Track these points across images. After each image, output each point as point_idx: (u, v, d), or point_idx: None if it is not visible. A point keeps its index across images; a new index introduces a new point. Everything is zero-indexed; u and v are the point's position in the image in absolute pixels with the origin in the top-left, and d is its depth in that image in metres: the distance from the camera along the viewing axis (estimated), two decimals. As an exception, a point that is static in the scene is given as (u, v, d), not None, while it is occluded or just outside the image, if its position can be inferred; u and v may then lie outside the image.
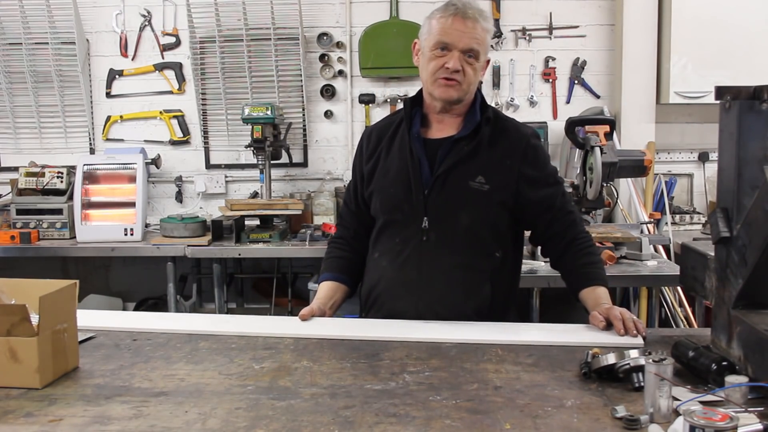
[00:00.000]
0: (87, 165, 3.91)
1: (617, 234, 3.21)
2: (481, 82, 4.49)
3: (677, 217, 4.06)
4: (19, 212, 3.86)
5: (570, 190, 3.20)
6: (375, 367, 1.57)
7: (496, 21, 4.21)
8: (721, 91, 1.49)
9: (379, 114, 4.23)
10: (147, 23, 4.31)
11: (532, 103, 4.29)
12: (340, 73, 4.31)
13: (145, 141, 4.36)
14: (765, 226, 1.35)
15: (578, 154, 3.29)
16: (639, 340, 1.71)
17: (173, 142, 4.39)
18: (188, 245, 3.70)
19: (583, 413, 1.31)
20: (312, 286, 3.48)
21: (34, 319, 1.45)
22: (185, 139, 4.39)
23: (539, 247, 2.25)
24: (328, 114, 4.35)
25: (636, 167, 3.31)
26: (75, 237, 3.83)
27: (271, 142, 3.85)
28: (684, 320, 3.61)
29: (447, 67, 1.93)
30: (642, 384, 1.33)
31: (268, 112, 3.78)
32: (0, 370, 1.44)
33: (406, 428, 1.25)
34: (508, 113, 4.15)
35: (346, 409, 1.34)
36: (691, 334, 1.69)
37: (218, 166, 4.42)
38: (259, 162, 3.89)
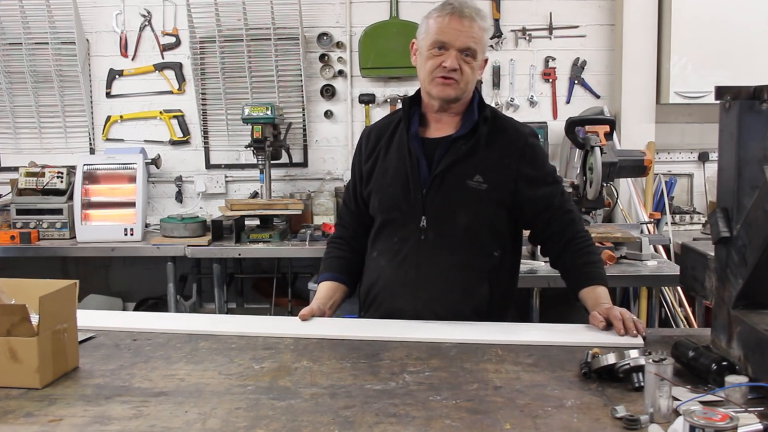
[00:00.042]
0: (87, 165, 3.91)
1: (617, 234, 3.21)
2: (480, 82, 4.51)
3: (677, 217, 4.06)
4: (19, 212, 3.86)
5: (570, 190, 3.20)
6: (375, 367, 1.57)
7: (496, 21, 4.22)
8: (721, 91, 1.49)
9: (379, 114, 4.23)
10: (147, 23, 4.31)
11: (532, 103, 4.29)
12: (340, 73, 4.31)
13: (145, 141, 4.36)
14: (765, 226, 1.35)
15: (578, 154, 3.29)
16: (639, 340, 1.71)
17: (173, 142, 4.39)
18: (188, 245, 3.70)
19: (583, 413, 1.31)
20: (312, 286, 3.48)
21: (34, 319, 1.45)
22: (185, 139, 4.39)
23: (539, 247, 2.25)
24: (328, 114, 4.35)
25: (636, 167, 3.31)
26: (75, 237, 3.83)
27: (271, 142, 3.85)
28: (684, 320, 3.61)
29: (444, 66, 1.93)
30: (642, 384, 1.33)
31: (268, 112, 3.78)
32: (0, 370, 1.44)
33: (406, 428, 1.25)
34: (508, 113, 4.15)
35: (346, 409, 1.34)
36: (691, 334, 1.69)
37: (218, 166, 4.42)
38: (259, 162, 3.89)
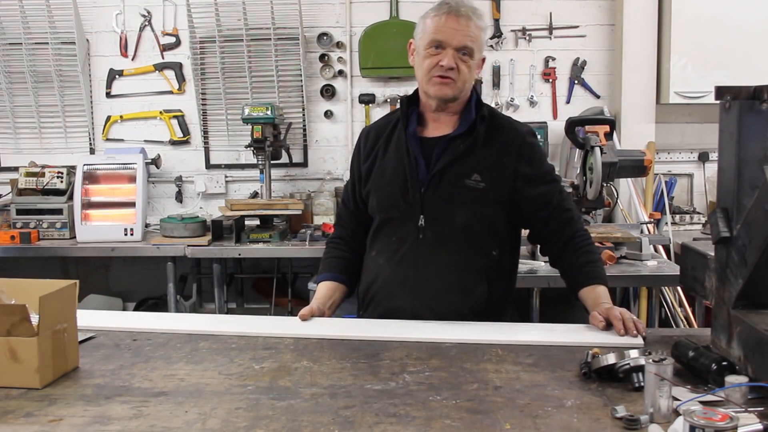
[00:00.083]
0: (87, 165, 3.91)
1: (617, 234, 3.21)
2: (481, 82, 4.51)
3: (677, 217, 4.06)
4: (19, 212, 3.86)
5: (570, 190, 3.21)
6: (375, 367, 1.57)
7: (496, 21, 4.22)
8: (721, 91, 1.49)
9: (379, 114, 4.23)
10: (147, 23, 4.31)
11: (532, 103, 4.29)
12: (340, 73, 4.31)
13: (145, 141, 4.36)
14: (765, 226, 1.35)
15: (578, 154, 3.29)
16: (639, 340, 1.71)
17: (173, 142, 4.39)
18: (188, 245, 3.70)
19: (583, 413, 1.31)
20: (312, 286, 3.48)
21: (34, 319, 1.45)
22: (185, 139, 4.39)
23: (539, 246, 2.25)
24: (328, 114, 4.35)
25: (636, 167, 3.31)
26: (75, 237, 3.83)
27: (271, 142, 3.85)
28: (684, 320, 3.60)
29: (441, 65, 1.93)
30: (642, 384, 1.33)
31: (268, 112, 3.78)
32: (0, 370, 1.44)
33: (406, 428, 1.25)
34: (508, 113, 4.15)
35: (346, 409, 1.34)
36: (691, 334, 1.69)
37: (218, 166, 4.42)
38: (259, 162, 3.89)
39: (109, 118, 4.37)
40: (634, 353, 1.42)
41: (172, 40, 4.32)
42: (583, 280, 1.96)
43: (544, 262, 3.02)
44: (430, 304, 1.96)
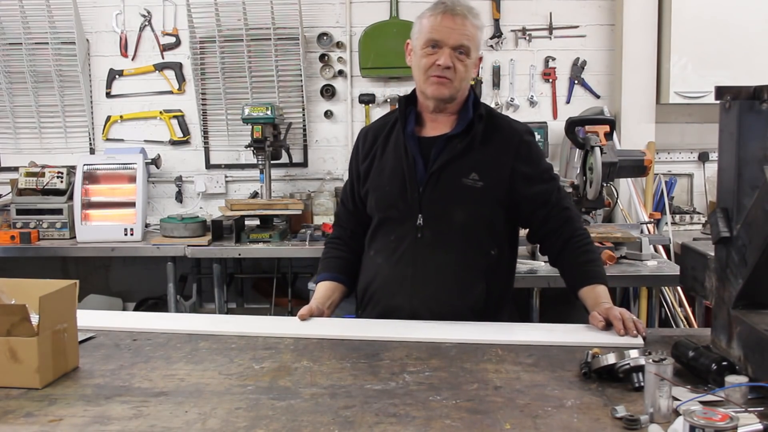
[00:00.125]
0: (87, 165, 3.91)
1: (617, 234, 3.21)
2: (481, 82, 4.50)
3: (677, 217, 4.06)
4: (19, 212, 3.86)
5: (570, 190, 3.21)
6: (375, 367, 1.57)
7: (496, 21, 4.22)
8: (721, 91, 1.49)
9: (379, 114, 4.23)
10: (147, 23, 4.31)
11: (532, 103, 4.29)
12: (340, 73, 4.31)
13: (145, 141, 4.37)
14: (765, 226, 1.35)
15: (578, 154, 3.29)
16: (639, 340, 1.71)
17: (173, 142, 4.39)
18: (188, 245, 3.70)
19: (583, 413, 1.31)
20: (311, 286, 3.48)
21: (34, 319, 1.45)
22: (185, 139, 4.39)
23: (538, 246, 2.25)
24: (328, 114, 4.35)
25: (636, 167, 3.31)
26: (75, 237, 3.83)
27: (271, 142, 3.85)
28: (684, 320, 3.61)
29: (438, 64, 1.93)
30: (642, 384, 1.33)
31: (268, 112, 3.78)
32: (0, 370, 1.44)
33: (406, 428, 1.25)
34: (508, 113, 4.16)
35: (346, 409, 1.34)
36: (691, 334, 1.69)
37: (218, 166, 4.42)
38: (259, 162, 3.89)
39: (109, 118, 4.37)
40: (634, 353, 1.42)
41: (172, 40, 4.32)
42: (583, 280, 1.96)
43: (544, 262, 3.02)
44: (428, 303, 1.97)
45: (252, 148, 3.87)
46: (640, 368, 1.38)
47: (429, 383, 1.47)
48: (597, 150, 3.08)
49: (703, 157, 4.27)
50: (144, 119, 4.39)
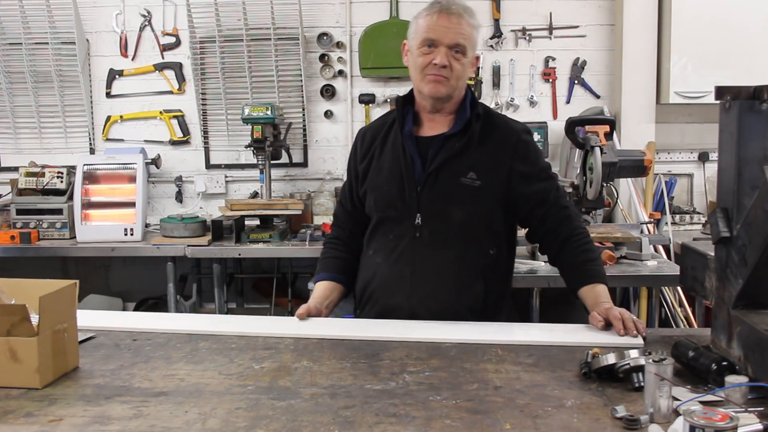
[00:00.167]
0: (87, 165, 3.91)
1: (617, 234, 3.21)
2: (481, 82, 4.49)
3: (677, 217, 4.06)
4: (19, 212, 3.86)
5: (570, 190, 3.21)
6: (375, 367, 1.57)
7: (496, 21, 4.22)
8: (721, 91, 1.49)
9: (378, 114, 4.22)
10: (147, 23, 4.31)
11: (532, 103, 4.29)
12: (340, 73, 4.31)
13: (145, 141, 4.37)
14: (765, 226, 1.35)
15: (578, 154, 3.29)
16: (639, 340, 1.71)
17: (173, 142, 4.39)
18: (188, 245, 3.70)
19: (583, 413, 1.31)
20: (311, 286, 3.48)
21: (34, 319, 1.45)
22: (185, 139, 4.39)
23: (538, 245, 2.25)
24: (328, 114, 4.35)
25: (636, 167, 3.31)
26: (75, 237, 3.83)
27: (271, 142, 3.85)
28: (684, 320, 3.60)
29: (435, 64, 1.94)
30: (642, 384, 1.33)
31: (268, 112, 3.78)
32: (0, 370, 1.44)
33: (406, 428, 1.25)
34: (508, 113, 4.16)
35: (346, 409, 1.34)
36: (691, 334, 1.69)
37: (218, 166, 4.42)
38: (259, 162, 3.89)
39: (109, 118, 4.37)
40: (634, 353, 1.42)
41: (172, 40, 4.32)
42: (583, 279, 1.96)
43: (544, 262, 3.02)
44: (426, 302, 1.97)
45: (252, 148, 3.87)
46: (640, 368, 1.38)
47: (429, 383, 1.47)
48: (597, 150, 3.08)
49: (703, 157, 4.27)
50: (144, 119, 4.39)
